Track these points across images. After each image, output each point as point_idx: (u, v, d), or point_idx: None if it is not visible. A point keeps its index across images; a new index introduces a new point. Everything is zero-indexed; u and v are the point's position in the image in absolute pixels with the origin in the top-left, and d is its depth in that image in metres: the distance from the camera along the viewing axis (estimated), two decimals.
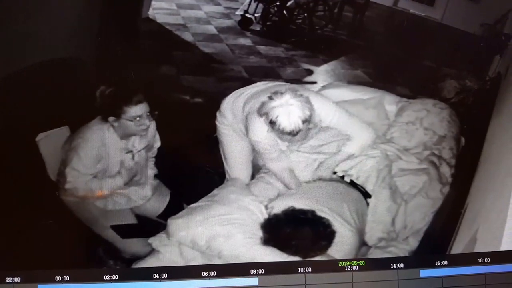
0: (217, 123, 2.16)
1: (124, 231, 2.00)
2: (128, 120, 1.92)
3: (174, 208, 2.07)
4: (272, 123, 1.90)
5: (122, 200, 2.03)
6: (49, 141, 1.96)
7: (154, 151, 2.14)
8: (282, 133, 1.91)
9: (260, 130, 1.97)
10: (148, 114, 1.95)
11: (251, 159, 2.20)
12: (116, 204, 2.02)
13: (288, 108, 1.86)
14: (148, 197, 2.09)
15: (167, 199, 2.15)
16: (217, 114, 2.15)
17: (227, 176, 2.21)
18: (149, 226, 2.04)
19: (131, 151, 2.02)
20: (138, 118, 1.93)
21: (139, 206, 2.09)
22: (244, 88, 2.14)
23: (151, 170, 2.13)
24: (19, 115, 1.87)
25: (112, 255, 1.97)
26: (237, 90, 2.14)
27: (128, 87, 1.98)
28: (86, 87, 2.02)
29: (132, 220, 2.05)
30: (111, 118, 1.93)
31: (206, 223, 1.85)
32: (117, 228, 1.99)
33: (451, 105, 2.41)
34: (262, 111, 1.92)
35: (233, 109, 2.10)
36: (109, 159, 1.97)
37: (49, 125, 1.97)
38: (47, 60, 1.99)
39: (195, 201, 2.01)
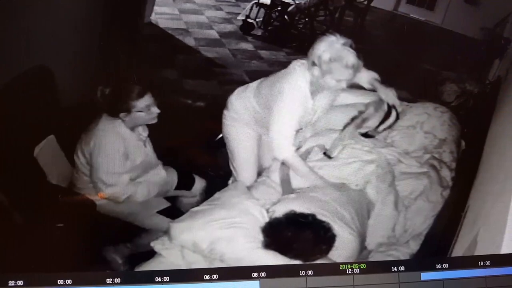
0: (224, 120, 2.20)
1: (170, 213, 2.08)
2: (139, 111, 2.00)
3: (185, 177, 2.22)
4: (332, 61, 1.91)
5: (150, 187, 2.10)
6: (43, 152, 2.00)
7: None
8: (346, 67, 1.92)
9: (301, 79, 1.99)
10: (154, 101, 2.02)
11: (257, 156, 2.23)
12: (149, 193, 2.09)
13: (342, 46, 1.93)
14: (165, 176, 2.17)
15: (175, 173, 2.23)
16: (224, 111, 2.19)
17: (234, 174, 2.24)
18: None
19: (143, 141, 2.09)
20: (148, 108, 2.01)
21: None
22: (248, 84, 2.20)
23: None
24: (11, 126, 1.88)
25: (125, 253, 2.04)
26: (241, 87, 2.20)
27: (130, 83, 2.04)
28: (69, 95, 2.11)
29: (165, 202, 2.16)
30: (122, 114, 1.99)
31: (208, 227, 1.85)
32: (163, 212, 2.09)
33: (451, 108, 2.42)
34: (314, 56, 1.94)
35: (243, 97, 2.15)
36: (132, 152, 2.04)
37: (39, 135, 2.00)
38: (28, 69, 1.98)
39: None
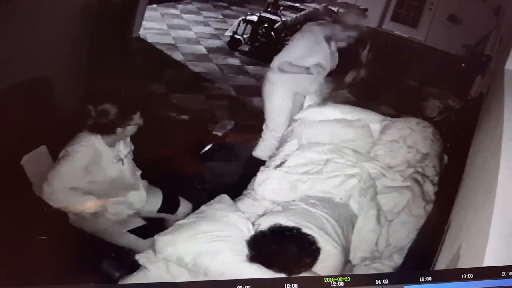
0: (264, 88, 2.58)
1: (143, 232, 2.06)
2: (134, 125, 2.05)
3: (170, 201, 2.19)
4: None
5: (125, 207, 2.09)
6: (32, 162, 2.00)
7: (131, 154, 2.19)
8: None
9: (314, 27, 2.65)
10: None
11: (291, 110, 2.61)
12: (123, 212, 2.08)
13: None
14: (145, 197, 2.15)
15: (160, 195, 2.21)
16: (265, 84, 2.60)
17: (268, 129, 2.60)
18: (158, 222, 2.14)
19: (121, 159, 2.08)
20: (138, 120, 2.06)
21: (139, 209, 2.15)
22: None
23: (138, 172, 2.18)
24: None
25: (119, 265, 2.00)
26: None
27: (127, 99, 2.10)
28: (63, 105, 2.11)
29: (140, 221, 2.12)
30: (119, 130, 2.02)
31: (193, 240, 1.85)
32: (135, 231, 2.06)
33: (434, 124, 2.46)
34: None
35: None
36: (103, 168, 2.03)
37: (30, 145, 2.00)
38: (23, 81, 2.01)
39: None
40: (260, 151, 2.62)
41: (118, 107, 1.99)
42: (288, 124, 2.61)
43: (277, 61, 2.58)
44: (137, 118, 2.04)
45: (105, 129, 2.00)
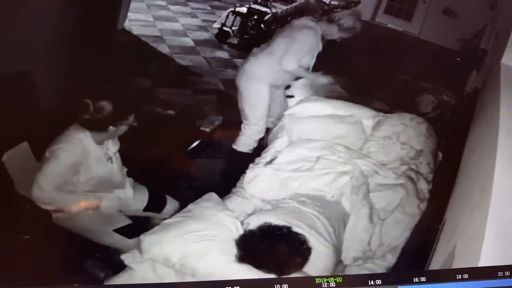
0: (240, 82, 2.53)
1: (128, 231, 2.01)
2: (127, 125, 2.00)
3: (156, 199, 2.15)
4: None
5: (111, 206, 2.05)
6: (13, 159, 1.96)
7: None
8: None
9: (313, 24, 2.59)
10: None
11: (269, 105, 2.59)
12: (108, 210, 2.04)
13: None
14: (132, 195, 2.12)
15: (146, 193, 2.18)
16: (240, 77, 2.56)
17: (247, 123, 2.57)
18: (144, 222, 2.10)
19: (110, 157, 2.04)
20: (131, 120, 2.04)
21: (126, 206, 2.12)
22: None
23: (124, 169, 2.15)
24: None
25: (104, 265, 1.96)
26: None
27: (125, 98, 2.07)
28: (45, 100, 2.07)
29: (127, 220, 2.08)
30: (111, 128, 1.97)
31: (180, 240, 1.80)
32: (120, 231, 2.01)
33: (428, 119, 2.45)
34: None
35: (255, 58, 2.54)
36: (90, 166, 1.98)
37: (11, 142, 1.96)
38: (2, 75, 1.97)
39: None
40: (241, 146, 2.59)
41: (115, 105, 1.94)
42: (267, 117, 2.59)
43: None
44: (131, 119, 1.99)
45: (97, 126, 1.95)
